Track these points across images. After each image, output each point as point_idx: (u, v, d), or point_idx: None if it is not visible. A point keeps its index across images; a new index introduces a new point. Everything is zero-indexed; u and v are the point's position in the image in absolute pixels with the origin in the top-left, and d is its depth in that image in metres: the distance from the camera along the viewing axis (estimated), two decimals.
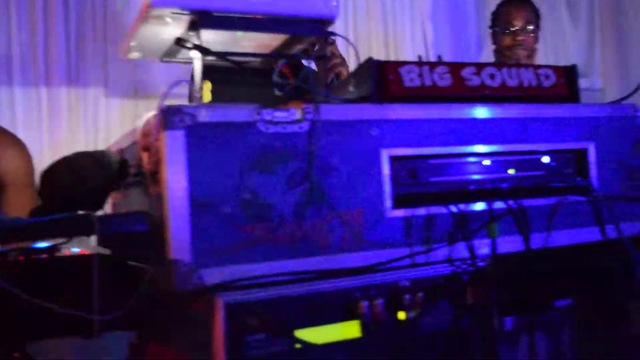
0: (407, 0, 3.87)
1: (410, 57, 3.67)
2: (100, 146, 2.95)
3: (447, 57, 3.69)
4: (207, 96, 2.45)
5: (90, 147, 2.98)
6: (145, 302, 1.39)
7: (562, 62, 4.18)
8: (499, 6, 3.38)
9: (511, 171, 1.57)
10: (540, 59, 4.13)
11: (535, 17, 3.29)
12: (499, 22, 3.30)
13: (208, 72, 1.75)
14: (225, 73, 1.74)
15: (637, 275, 1.51)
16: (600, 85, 4.47)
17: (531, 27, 3.23)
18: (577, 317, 1.80)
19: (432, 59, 1.60)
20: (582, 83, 4.38)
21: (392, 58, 3.63)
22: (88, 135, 3.05)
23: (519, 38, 3.20)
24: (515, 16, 3.25)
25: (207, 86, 2.31)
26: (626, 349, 1.74)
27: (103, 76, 3.12)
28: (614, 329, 1.76)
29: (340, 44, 2.76)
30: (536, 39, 3.29)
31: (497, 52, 3.33)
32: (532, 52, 3.25)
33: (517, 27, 3.22)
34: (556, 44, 4.33)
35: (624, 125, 1.68)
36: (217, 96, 2.46)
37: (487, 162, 1.54)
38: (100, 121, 3.07)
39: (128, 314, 1.31)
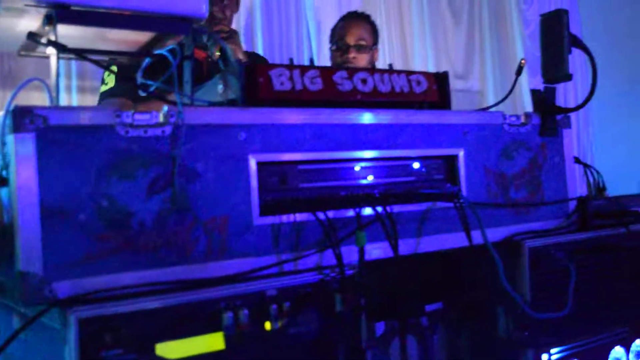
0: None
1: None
2: None
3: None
4: (111, 82, 2.36)
5: None
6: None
7: (443, 63, 4.31)
8: (337, 22, 3.30)
9: (384, 177, 1.57)
10: (420, 58, 4.23)
11: (370, 34, 3.20)
12: (333, 38, 3.22)
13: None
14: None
15: (501, 279, 1.54)
16: (478, 87, 4.60)
17: (363, 44, 3.14)
18: (446, 320, 1.84)
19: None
20: (461, 84, 4.53)
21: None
22: None
23: (350, 56, 3.11)
24: (347, 32, 3.16)
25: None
26: (492, 351, 1.79)
27: None
28: (481, 332, 1.81)
29: None
30: (371, 58, 3.19)
31: None
32: None
33: (349, 44, 3.13)
34: (437, 44, 4.42)
35: (492, 132, 1.72)
36: (126, 83, 2.38)
37: (357, 168, 1.52)
38: None
39: None
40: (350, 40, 3.12)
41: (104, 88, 2.51)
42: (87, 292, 1.17)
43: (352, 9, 3.69)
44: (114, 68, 2.21)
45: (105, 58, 1.58)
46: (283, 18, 3.79)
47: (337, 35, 3.19)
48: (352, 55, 3.10)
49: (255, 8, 3.70)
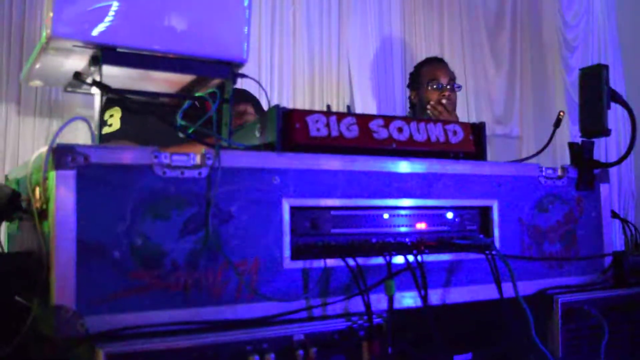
0: (335, 49, 3.88)
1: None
2: (8, 167, 2.84)
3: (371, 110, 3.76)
4: (115, 123, 2.40)
5: None
6: (31, 343, 1.32)
7: (483, 108, 4.30)
8: (420, 66, 3.59)
9: (417, 226, 1.57)
10: (461, 104, 4.24)
11: (454, 74, 3.53)
12: (423, 79, 3.49)
13: (119, 101, 1.71)
14: (144, 105, 1.70)
15: (532, 334, 1.52)
16: (518, 133, 4.58)
17: (453, 83, 3.46)
18: None
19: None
20: (500, 129, 4.50)
21: (317, 107, 3.62)
22: None
23: (446, 93, 3.40)
24: (440, 73, 3.47)
25: (117, 113, 2.26)
26: None
27: (17, 93, 3.01)
28: None
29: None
30: (455, 99, 3.51)
31: (419, 110, 3.48)
32: (454, 107, 3.39)
33: (442, 83, 3.43)
34: (478, 88, 4.42)
35: (528, 184, 1.71)
36: (133, 126, 2.42)
37: (390, 216, 1.53)
38: (10, 142, 2.96)
39: (12, 355, 1.25)
40: (444, 79, 3.46)
41: (107, 130, 2.50)
42: (117, 328, 1.19)
43: (394, 57, 3.75)
44: (118, 110, 2.25)
45: (147, 98, 1.62)
46: (325, 62, 3.83)
47: (429, 76, 3.48)
48: (447, 93, 3.42)
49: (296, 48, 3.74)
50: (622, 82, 4.95)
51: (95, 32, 1.34)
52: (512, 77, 4.63)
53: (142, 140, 2.14)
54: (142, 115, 1.92)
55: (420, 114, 3.48)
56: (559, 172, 1.77)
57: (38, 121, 3.00)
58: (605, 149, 4.69)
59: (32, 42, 3.00)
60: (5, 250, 1.64)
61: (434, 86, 3.42)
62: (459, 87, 3.52)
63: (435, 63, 3.56)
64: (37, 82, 1.63)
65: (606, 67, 1.78)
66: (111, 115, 2.48)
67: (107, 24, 1.35)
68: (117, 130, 2.47)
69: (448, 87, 3.43)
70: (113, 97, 1.42)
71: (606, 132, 1.76)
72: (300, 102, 3.69)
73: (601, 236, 1.84)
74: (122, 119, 2.33)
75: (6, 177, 1.75)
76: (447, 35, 4.32)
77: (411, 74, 3.65)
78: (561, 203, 1.76)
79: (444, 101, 3.39)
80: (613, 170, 2.91)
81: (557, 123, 1.90)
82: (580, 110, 1.82)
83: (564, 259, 1.75)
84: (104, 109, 1.41)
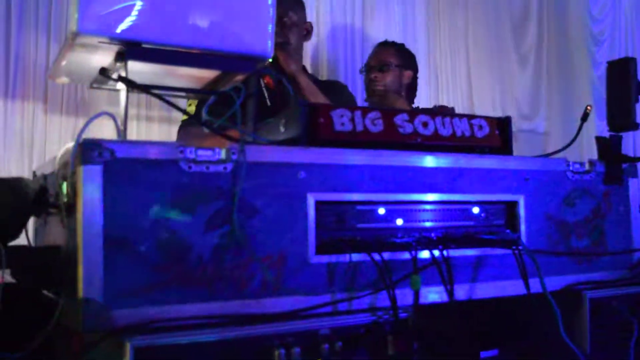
0: (359, 46, 3.87)
1: None
2: (35, 165, 2.87)
3: None
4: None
5: (25, 165, 2.90)
6: (58, 337, 1.34)
7: (508, 104, 4.26)
8: None
9: (443, 221, 1.56)
10: (486, 99, 4.20)
11: (394, 56, 3.37)
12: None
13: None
14: None
15: (560, 330, 1.51)
16: (544, 128, 4.53)
17: (385, 65, 3.32)
18: None
19: None
20: (527, 126, 4.45)
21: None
22: (23, 152, 2.96)
23: (372, 75, 3.32)
24: (372, 57, 3.40)
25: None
26: None
27: (43, 91, 3.04)
28: None
29: None
30: (398, 79, 3.35)
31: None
32: (386, 92, 3.30)
33: (372, 66, 3.35)
34: (503, 84, 4.38)
35: (555, 179, 1.69)
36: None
37: (415, 210, 1.52)
38: (38, 139, 2.99)
39: (38, 349, 1.26)
40: (374, 62, 3.36)
41: (184, 117, 2.58)
42: (143, 321, 1.20)
43: (419, 53, 3.72)
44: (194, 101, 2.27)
45: (173, 94, 1.62)
46: (349, 60, 3.83)
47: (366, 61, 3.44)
48: (373, 74, 3.31)
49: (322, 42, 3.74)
50: None
51: (120, 29, 1.34)
52: (538, 72, 4.59)
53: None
54: None
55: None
56: (587, 167, 1.75)
57: (65, 119, 3.03)
58: (633, 144, 4.63)
59: (58, 40, 3.03)
60: (33, 244, 1.66)
61: (365, 70, 3.39)
62: (392, 67, 3.33)
63: (375, 47, 3.48)
64: (63, 79, 1.64)
65: (634, 60, 1.76)
66: (190, 105, 2.53)
67: (132, 20, 1.36)
68: (190, 117, 2.48)
69: (374, 68, 3.33)
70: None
71: (634, 126, 1.74)
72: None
73: (630, 231, 1.82)
74: (197, 106, 2.38)
75: (34, 173, 1.77)
76: (472, 30, 4.28)
77: None
78: (589, 198, 1.74)
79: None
80: None
81: (585, 117, 1.88)
82: (607, 104, 1.80)
83: (592, 254, 1.73)
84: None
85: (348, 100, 3.14)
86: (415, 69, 3.42)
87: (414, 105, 3.47)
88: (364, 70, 3.40)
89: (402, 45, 3.46)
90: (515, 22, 4.51)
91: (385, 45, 3.43)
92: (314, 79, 3.08)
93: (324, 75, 3.67)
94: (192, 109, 2.51)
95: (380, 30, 3.88)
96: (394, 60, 3.35)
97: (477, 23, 4.31)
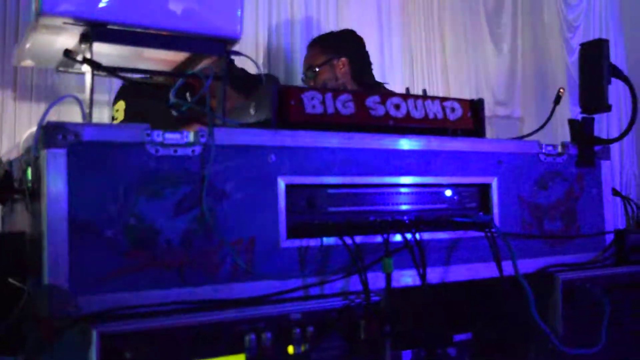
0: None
1: None
2: (3, 152, 2.82)
3: None
4: (120, 117, 2.39)
5: None
6: (24, 323, 1.31)
7: (484, 90, 4.27)
8: None
9: (415, 204, 1.55)
10: (462, 85, 4.20)
11: (318, 54, 3.23)
12: None
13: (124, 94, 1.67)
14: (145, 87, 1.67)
15: (532, 312, 1.51)
16: (520, 114, 4.55)
17: (312, 68, 3.19)
18: (476, 352, 1.80)
19: None
20: (502, 111, 4.47)
21: None
22: None
23: (310, 84, 3.18)
24: (303, 64, 3.28)
25: (121, 107, 2.25)
26: None
27: (12, 77, 2.99)
28: None
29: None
30: (331, 74, 3.21)
31: None
32: None
33: (304, 74, 3.23)
34: (478, 71, 4.38)
35: (528, 162, 1.69)
36: (136, 118, 2.40)
37: (387, 193, 1.51)
38: (7, 126, 2.94)
39: (5, 337, 1.23)
40: (304, 69, 3.24)
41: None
42: (111, 308, 1.17)
43: (393, 36, 3.69)
44: (122, 104, 2.23)
45: (140, 76, 1.59)
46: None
47: None
48: (310, 83, 3.19)
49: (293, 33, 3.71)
50: (623, 61, 4.91)
51: (85, 9, 1.31)
52: (513, 59, 4.60)
53: None
54: (141, 100, 1.90)
55: None
56: (559, 149, 1.75)
57: (34, 106, 2.98)
58: (606, 128, 4.66)
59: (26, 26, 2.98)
60: None
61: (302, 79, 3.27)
62: (318, 67, 3.18)
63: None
64: (28, 62, 1.60)
65: (607, 41, 1.75)
66: (117, 110, 2.48)
67: (98, 1, 1.33)
68: (120, 122, 2.46)
69: (306, 76, 3.23)
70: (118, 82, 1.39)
71: (607, 108, 1.74)
72: (298, 84, 3.65)
73: (602, 214, 1.82)
74: (125, 110, 2.32)
75: None
76: (448, 16, 4.28)
77: None
78: (561, 180, 1.74)
79: None
80: (615, 150, 2.87)
81: (557, 100, 1.87)
82: (580, 86, 1.79)
83: (565, 237, 1.73)
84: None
85: None
86: (348, 51, 3.24)
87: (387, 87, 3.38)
88: (302, 79, 3.27)
89: (326, 35, 3.33)
90: (490, 8, 4.51)
91: (309, 48, 3.30)
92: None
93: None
94: (119, 115, 2.45)
95: (354, 18, 3.86)
96: (320, 58, 3.19)
97: (452, 9, 4.31)
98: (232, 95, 2.52)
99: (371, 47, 3.74)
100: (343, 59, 3.21)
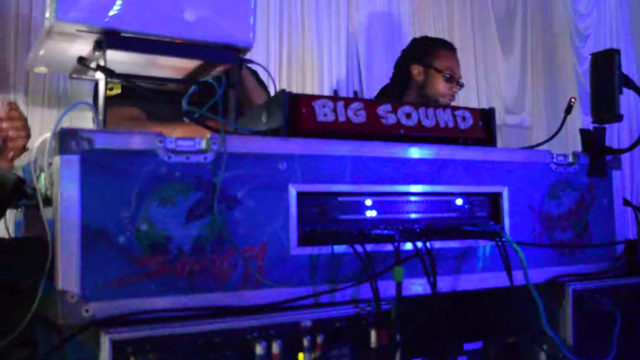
0: (344, 37, 3.85)
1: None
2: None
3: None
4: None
5: None
6: (37, 329, 1.32)
7: (494, 98, 4.27)
8: (435, 46, 3.34)
9: (426, 212, 1.55)
10: (472, 94, 4.21)
11: None
12: (438, 63, 3.26)
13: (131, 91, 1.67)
14: (156, 93, 1.67)
15: (543, 322, 1.50)
16: (529, 123, 4.54)
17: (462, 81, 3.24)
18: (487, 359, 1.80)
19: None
20: (511, 120, 4.48)
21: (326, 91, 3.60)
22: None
23: (455, 89, 3.22)
24: (456, 65, 3.26)
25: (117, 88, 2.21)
26: None
27: (25, 83, 3.01)
28: None
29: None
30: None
31: (418, 88, 3.30)
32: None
33: (458, 78, 3.22)
34: (488, 80, 4.38)
35: (539, 171, 1.69)
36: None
37: (398, 202, 1.51)
38: None
39: (17, 342, 1.24)
40: (458, 74, 3.25)
41: (110, 93, 2.45)
42: (122, 314, 1.18)
43: (404, 44, 3.69)
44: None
45: (153, 84, 1.60)
46: (334, 50, 3.81)
47: (448, 65, 3.25)
48: (456, 89, 3.23)
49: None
50: (634, 70, 4.90)
51: (99, 17, 1.32)
52: (523, 68, 4.60)
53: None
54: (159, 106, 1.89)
55: (417, 94, 3.29)
56: (570, 159, 1.74)
57: (46, 111, 3.01)
58: (617, 138, 4.65)
59: (39, 32, 3.00)
60: (12, 236, 1.64)
61: (448, 76, 3.23)
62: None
63: (452, 51, 3.33)
64: (41, 69, 1.62)
65: (618, 51, 1.75)
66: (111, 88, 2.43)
67: (112, 8, 1.34)
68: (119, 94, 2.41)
69: (458, 83, 3.27)
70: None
71: (618, 118, 1.73)
72: (309, 91, 3.67)
73: (613, 224, 1.82)
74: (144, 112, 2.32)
75: (12, 165, 1.74)
76: (457, 24, 4.28)
77: (420, 46, 3.38)
78: (572, 190, 1.74)
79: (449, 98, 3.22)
80: (626, 160, 2.86)
81: (568, 109, 1.87)
82: (591, 96, 1.79)
83: (576, 246, 1.73)
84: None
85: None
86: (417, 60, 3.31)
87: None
88: (447, 76, 3.26)
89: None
90: (500, 16, 4.51)
91: (456, 52, 3.35)
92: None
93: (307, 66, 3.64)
94: (117, 87, 2.41)
95: (365, 23, 3.87)
96: None
97: (462, 18, 4.31)
98: (256, 89, 2.51)
99: (381, 53, 3.76)
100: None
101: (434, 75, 3.25)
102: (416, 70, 3.31)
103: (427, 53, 3.32)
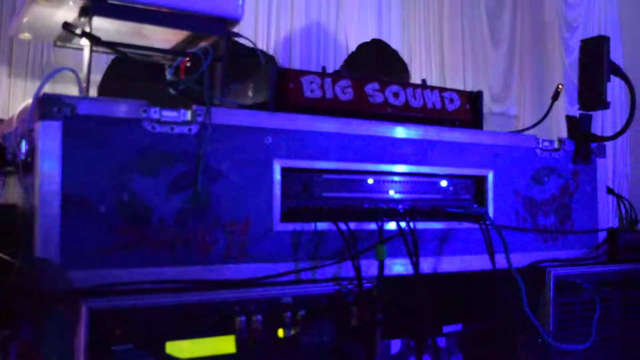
0: (333, 22, 3.83)
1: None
2: None
3: None
4: None
5: None
6: (14, 297, 1.30)
7: (481, 86, 4.26)
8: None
9: (410, 193, 1.55)
10: (459, 81, 4.20)
11: None
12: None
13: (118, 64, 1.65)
14: (138, 67, 1.65)
15: (524, 306, 1.51)
16: (515, 112, 4.55)
17: None
18: (465, 343, 1.80)
19: None
20: (498, 108, 4.47)
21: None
22: None
23: None
24: None
25: None
26: None
27: (8, 53, 2.97)
28: (499, 358, 1.77)
29: None
30: None
31: None
32: None
33: None
34: (476, 66, 4.38)
35: (524, 156, 1.69)
36: (127, 91, 2.36)
37: (383, 181, 1.50)
38: (1, 100, 2.92)
39: None
40: None
41: None
42: (101, 284, 1.16)
43: (392, 31, 3.69)
44: None
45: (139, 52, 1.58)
46: (322, 33, 3.78)
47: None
48: None
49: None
50: (620, 61, 4.92)
51: None
52: (511, 57, 4.60)
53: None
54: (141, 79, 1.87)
55: None
56: (556, 144, 1.74)
57: (30, 82, 2.96)
58: (601, 124, 4.67)
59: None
60: None
61: None
62: None
63: None
64: (26, 35, 1.59)
65: (607, 39, 1.75)
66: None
67: None
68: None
69: None
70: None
71: (605, 105, 1.73)
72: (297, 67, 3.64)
73: (596, 211, 1.82)
74: (122, 86, 2.29)
75: None
76: (447, 12, 4.27)
77: None
78: (557, 176, 1.74)
79: None
80: (609, 151, 2.87)
81: (556, 96, 1.87)
82: (579, 83, 1.79)
83: (559, 232, 1.73)
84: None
85: None
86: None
87: None
88: None
89: None
90: (490, 6, 4.50)
91: None
92: None
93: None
94: None
95: (355, 11, 3.84)
96: None
97: (451, 5, 4.30)
98: None
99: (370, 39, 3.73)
100: None
101: None
102: None
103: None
